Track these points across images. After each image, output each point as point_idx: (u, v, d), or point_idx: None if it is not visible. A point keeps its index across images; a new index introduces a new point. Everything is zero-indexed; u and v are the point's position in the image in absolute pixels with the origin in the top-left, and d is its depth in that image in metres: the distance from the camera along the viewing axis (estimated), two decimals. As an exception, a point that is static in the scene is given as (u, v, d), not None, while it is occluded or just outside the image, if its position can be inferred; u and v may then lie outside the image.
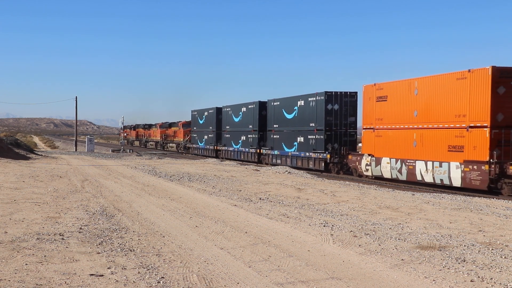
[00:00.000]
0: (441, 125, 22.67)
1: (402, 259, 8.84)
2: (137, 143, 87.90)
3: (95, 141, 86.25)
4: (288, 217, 13.05)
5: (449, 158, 22.00)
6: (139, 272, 7.85)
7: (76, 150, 64.82)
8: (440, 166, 22.36)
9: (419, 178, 23.57)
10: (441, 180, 22.36)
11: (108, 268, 8.06)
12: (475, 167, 20.62)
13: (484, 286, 7.43)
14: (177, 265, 8.33)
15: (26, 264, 8.16)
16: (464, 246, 9.87)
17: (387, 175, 25.95)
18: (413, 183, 24.31)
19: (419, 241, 10.28)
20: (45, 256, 8.69)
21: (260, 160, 40.85)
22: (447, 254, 9.15)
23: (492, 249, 9.58)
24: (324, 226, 11.85)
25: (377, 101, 26.93)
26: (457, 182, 21.51)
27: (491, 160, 19.88)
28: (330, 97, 31.99)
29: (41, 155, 47.09)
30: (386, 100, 26.28)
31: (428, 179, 23.00)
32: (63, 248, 9.28)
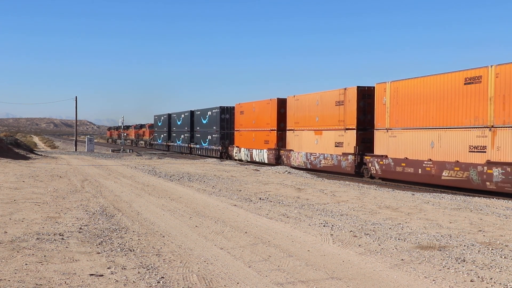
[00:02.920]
0: (262, 129, 40.63)
1: (402, 259, 8.84)
2: (118, 141, 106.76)
3: (95, 141, 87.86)
4: (288, 217, 13.05)
5: (264, 147, 39.98)
6: (139, 272, 7.85)
7: (76, 150, 64.83)
8: (261, 152, 40.48)
9: (254, 159, 41.63)
10: (261, 159, 40.35)
11: (108, 268, 8.06)
12: (271, 151, 38.81)
13: (484, 286, 7.44)
14: (177, 265, 8.33)
15: (26, 264, 8.16)
16: (464, 246, 9.87)
17: (243, 158, 43.83)
18: (252, 163, 41.33)
19: (419, 241, 10.29)
20: (45, 256, 8.69)
21: (191, 152, 57.71)
22: (447, 254, 9.16)
23: (492, 249, 9.58)
24: (324, 226, 11.85)
25: (240, 114, 44.99)
26: (266, 160, 39.48)
27: (276, 147, 38.05)
28: (223, 109, 49.45)
29: (41, 155, 47.09)
30: (243, 114, 44.27)
31: (257, 159, 41.07)
32: (63, 248, 9.28)
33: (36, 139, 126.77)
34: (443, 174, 22.63)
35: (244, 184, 21.88)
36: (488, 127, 20.77)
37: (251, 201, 16.25)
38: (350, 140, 29.32)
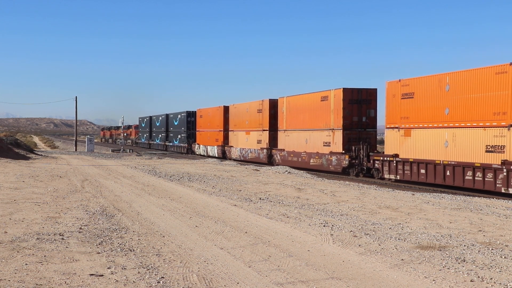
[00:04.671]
0: (214, 130, 51.57)
1: (402, 259, 8.84)
2: (110, 140, 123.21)
3: (95, 141, 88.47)
4: (288, 217, 13.05)
5: (215, 144, 51.06)
6: (139, 272, 7.85)
7: (76, 150, 64.82)
8: (213, 148, 51.49)
9: (209, 154, 52.41)
10: (213, 154, 50.89)
11: (108, 268, 8.06)
12: (219, 147, 49.82)
13: (484, 286, 7.43)
14: (177, 265, 8.33)
15: (26, 264, 8.16)
16: (464, 246, 9.87)
17: (202, 153, 54.75)
18: (208, 156, 51.75)
19: (419, 241, 10.28)
20: (45, 256, 8.69)
21: (166, 149, 68.16)
22: (447, 254, 9.15)
23: (492, 249, 9.58)
24: (324, 226, 11.85)
25: (200, 117, 56.38)
26: (216, 155, 50.20)
27: (223, 144, 48.95)
28: (189, 113, 60.39)
29: (41, 155, 47.08)
30: (202, 117, 55.72)
31: (211, 154, 51.69)
32: (63, 248, 9.28)
33: (36, 139, 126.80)
34: (311, 161, 33.72)
35: (244, 184, 21.88)
36: (331, 129, 31.63)
37: (251, 201, 16.25)
38: (265, 138, 40.57)
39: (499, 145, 20.34)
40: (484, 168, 20.75)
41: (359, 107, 30.68)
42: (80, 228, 11.15)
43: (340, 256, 9.08)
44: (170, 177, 24.82)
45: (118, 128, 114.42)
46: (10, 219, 12.09)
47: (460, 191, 21.93)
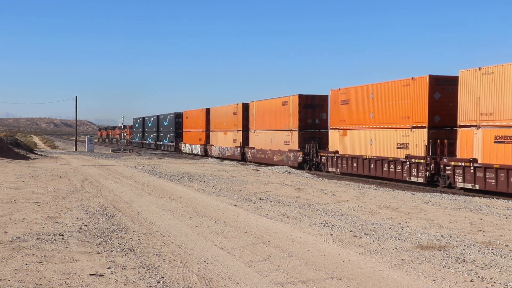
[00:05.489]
0: (198, 130, 56.41)
1: (402, 259, 8.84)
2: (107, 140, 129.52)
3: (95, 141, 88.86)
4: (288, 217, 13.05)
5: (199, 143, 55.89)
6: (139, 272, 7.85)
7: (76, 150, 64.83)
8: (196, 146, 56.45)
9: (193, 152, 57.51)
10: (197, 152, 56.00)
11: (108, 268, 8.06)
12: (201, 146, 54.93)
13: (484, 286, 7.43)
14: (177, 265, 8.33)
15: (26, 264, 8.16)
16: (464, 246, 9.87)
17: (187, 151, 59.67)
18: (192, 154, 57.31)
19: (419, 241, 10.29)
20: (45, 256, 8.69)
21: (157, 148, 73.40)
22: (447, 254, 9.15)
23: (492, 249, 9.58)
24: (324, 226, 11.85)
25: (186, 118, 61.46)
26: (199, 153, 55.37)
27: (205, 143, 53.89)
28: (177, 115, 64.91)
29: (41, 155, 47.09)
30: (188, 118, 60.82)
31: (195, 152, 56.79)
32: (63, 248, 9.28)
33: (36, 139, 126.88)
34: (274, 157, 38.36)
35: (244, 184, 21.88)
36: (290, 130, 36.24)
37: (251, 201, 16.25)
38: (239, 138, 45.42)
39: (405, 143, 25.37)
40: (395, 161, 25.73)
41: (313, 111, 35.56)
42: (80, 228, 11.16)
43: (340, 256, 9.08)
44: (170, 177, 24.83)
45: (114, 128, 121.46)
46: (10, 219, 12.09)
47: (459, 192, 21.96)
